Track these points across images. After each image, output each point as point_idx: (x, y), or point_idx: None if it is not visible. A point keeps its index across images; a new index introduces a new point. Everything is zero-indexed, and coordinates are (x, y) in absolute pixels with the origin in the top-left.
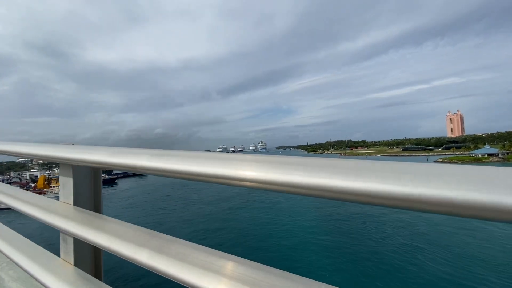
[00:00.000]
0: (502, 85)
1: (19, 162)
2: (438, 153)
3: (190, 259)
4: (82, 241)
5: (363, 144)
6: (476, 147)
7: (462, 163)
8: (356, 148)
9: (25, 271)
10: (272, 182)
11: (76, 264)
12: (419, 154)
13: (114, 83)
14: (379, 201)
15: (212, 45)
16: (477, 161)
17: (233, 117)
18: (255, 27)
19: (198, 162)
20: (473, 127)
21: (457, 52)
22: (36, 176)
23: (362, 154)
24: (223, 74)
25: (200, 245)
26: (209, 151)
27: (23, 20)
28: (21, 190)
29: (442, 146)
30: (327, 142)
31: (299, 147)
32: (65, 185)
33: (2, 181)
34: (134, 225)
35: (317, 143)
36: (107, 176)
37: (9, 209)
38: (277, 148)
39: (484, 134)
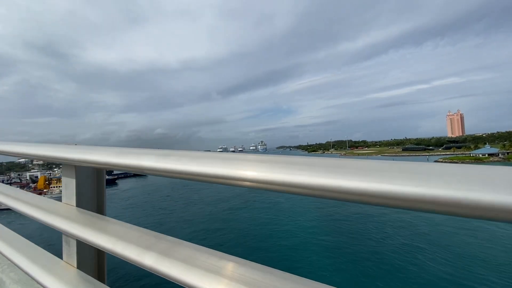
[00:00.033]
0: (503, 85)
1: (19, 162)
2: (439, 153)
3: (198, 263)
4: (85, 243)
5: (364, 144)
6: (476, 147)
7: (463, 163)
8: (357, 148)
9: (27, 273)
10: (281, 183)
11: (79, 267)
12: (419, 154)
13: (114, 83)
14: (384, 202)
15: (212, 45)
16: (478, 161)
17: (233, 117)
18: (255, 27)
19: (209, 163)
20: (474, 127)
21: (457, 52)
22: (36, 177)
23: (363, 154)
24: (223, 74)
25: (208, 248)
26: (209, 151)
27: (23, 20)
28: (23, 191)
29: (443, 146)
30: (328, 142)
31: (299, 147)
32: (68, 186)
33: (2, 181)
34: (138, 227)
35: (317, 143)
36: (107, 176)
37: (9, 209)
38: (277, 148)
39: (485, 134)
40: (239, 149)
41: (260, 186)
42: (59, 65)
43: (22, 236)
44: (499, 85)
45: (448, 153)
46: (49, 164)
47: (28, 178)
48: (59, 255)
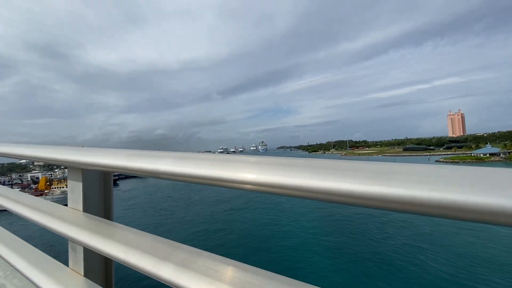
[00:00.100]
0: (503, 85)
1: (20, 163)
2: (440, 153)
3: (222, 276)
4: (92, 250)
5: (364, 144)
6: (477, 147)
7: (464, 162)
8: (357, 148)
9: (31, 281)
10: (293, 187)
11: (86, 275)
12: (420, 154)
13: (114, 84)
14: (391, 206)
15: (212, 45)
16: (479, 160)
17: (233, 118)
18: (255, 27)
19: (230, 166)
20: (474, 127)
21: (457, 52)
22: (38, 178)
23: (363, 154)
24: (223, 74)
25: (232, 260)
26: (210, 151)
27: (24, 22)
28: (28, 195)
29: (444, 145)
30: (328, 142)
31: (300, 147)
32: (74, 190)
33: (4, 182)
34: (150, 234)
35: (318, 143)
36: None
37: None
38: (278, 148)
39: (486, 133)
40: (239, 149)
41: (283, 192)
42: (60, 65)
43: (25, 237)
44: (500, 85)
45: (449, 153)
46: (50, 165)
47: (29, 179)
48: (62, 258)
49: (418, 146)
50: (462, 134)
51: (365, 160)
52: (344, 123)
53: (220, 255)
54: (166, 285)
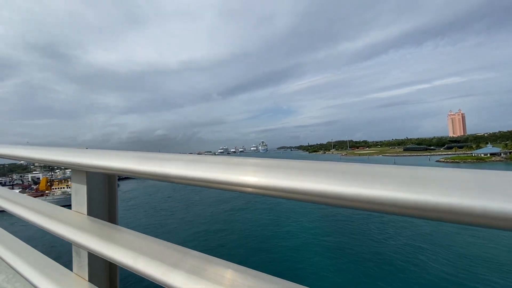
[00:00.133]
0: (504, 85)
1: (21, 164)
2: (440, 153)
3: (232, 284)
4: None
5: (365, 144)
6: (478, 147)
7: (465, 162)
8: (358, 148)
9: (34, 285)
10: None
11: (91, 279)
12: (421, 154)
13: (114, 84)
14: (396, 210)
15: (212, 45)
16: (480, 160)
17: (233, 118)
18: (255, 27)
19: (234, 170)
20: (475, 127)
21: (457, 52)
22: (38, 178)
23: (364, 154)
24: (223, 75)
25: (241, 266)
26: (210, 152)
27: (24, 22)
28: (32, 198)
29: (444, 145)
30: (328, 142)
31: (300, 147)
32: (78, 193)
33: (5, 183)
34: (157, 239)
35: (318, 143)
36: None
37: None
38: (278, 148)
39: (486, 133)
40: (240, 150)
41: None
42: (60, 66)
43: (26, 238)
44: (501, 85)
45: (449, 152)
46: (50, 165)
47: (30, 179)
48: (63, 259)
49: (418, 146)
50: (462, 134)
51: (365, 160)
52: (344, 123)
53: (220, 255)
54: None
